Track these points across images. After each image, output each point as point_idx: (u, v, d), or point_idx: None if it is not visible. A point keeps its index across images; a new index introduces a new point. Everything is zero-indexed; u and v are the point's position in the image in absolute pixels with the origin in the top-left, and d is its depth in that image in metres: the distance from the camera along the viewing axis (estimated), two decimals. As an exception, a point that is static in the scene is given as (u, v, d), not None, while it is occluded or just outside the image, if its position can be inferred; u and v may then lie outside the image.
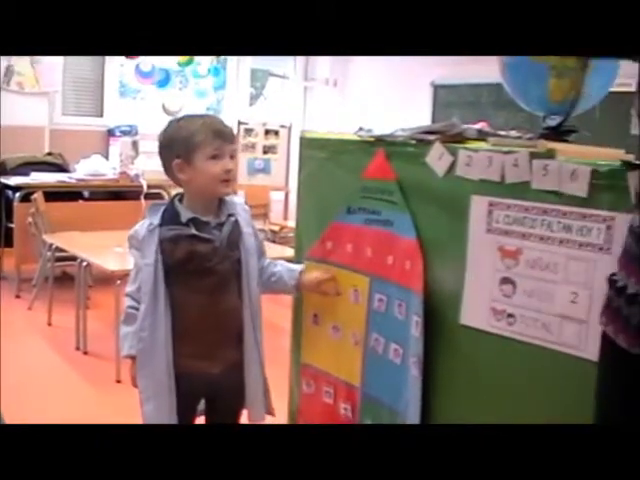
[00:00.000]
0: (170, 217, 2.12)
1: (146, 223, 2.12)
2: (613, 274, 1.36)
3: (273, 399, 2.32)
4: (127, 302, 2.17)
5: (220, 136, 2.10)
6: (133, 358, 2.14)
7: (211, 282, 2.12)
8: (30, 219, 5.39)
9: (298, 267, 2.33)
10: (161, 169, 2.17)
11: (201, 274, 2.10)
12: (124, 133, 7.27)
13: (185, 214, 2.11)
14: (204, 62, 8.27)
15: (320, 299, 2.37)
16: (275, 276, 2.29)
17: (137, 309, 2.13)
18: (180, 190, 2.19)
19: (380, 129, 2.22)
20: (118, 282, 3.92)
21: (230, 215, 2.16)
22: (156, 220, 2.11)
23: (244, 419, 2.28)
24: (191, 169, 2.08)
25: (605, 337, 1.37)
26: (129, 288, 2.18)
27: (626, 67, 2.03)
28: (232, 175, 2.13)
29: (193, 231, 2.09)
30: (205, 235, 2.10)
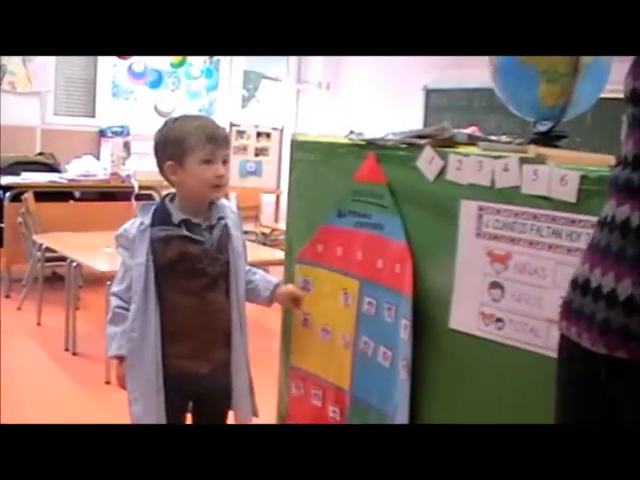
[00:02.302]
0: (161, 217, 2.11)
1: (137, 222, 2.11)
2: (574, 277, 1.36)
3: (262, 401, 2.31)
4: (114, 302, 2.16)
5: (213, 141, 2.09)
6: (120, 358, 2.14)
7: (201, 283, 2.12)
8: (20, 219, 5.37)
9: (275, 279, 2.33)
10: (152, 170, 2.18)
11: (191, 275, 2.10)
12: (116, 134, 7.25)
13: (177, 215, 2.11)
14: (197, 63, 8.26)
15: (310, 301, 2.37)
16: (251, 284, 2.28)
17: (125, 309, 2.12)
18: (172, 190, 2.19)
19: (371, 132, 2.23)
20: (108, 283, 3.90)
21: (220, 218, 2.16)
22: (147, 220, 2.10)
23: (230, 420, 2.27)
24: (183, 172, 2.08)
25: (566, 340, 1.37)
26: (116, 288, 2.17)
27: (617, 73, 2.05)
28: (224, 180, 2.13)
29: (185, 232, 2.09)
30: (196, 237, 2.10)
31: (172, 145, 2.08)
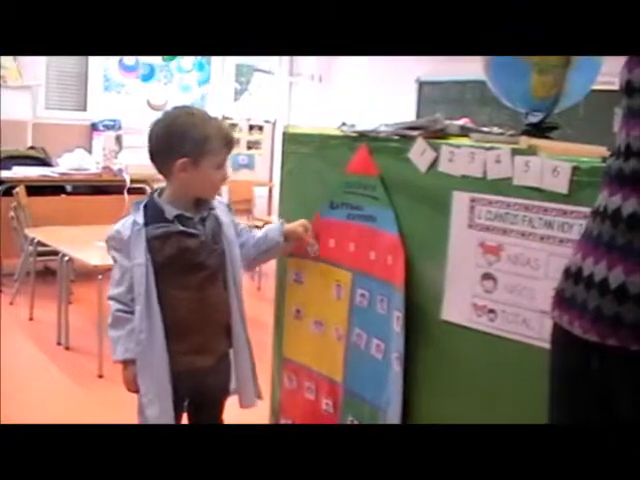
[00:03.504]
0: (154, 214, 2.07)
1: (129, 222, 2.07)
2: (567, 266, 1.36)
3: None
4: (114, 305, 2.09)
5: (229, 146, 2.10)
6: (126, 362, 2.09)
7: (200, 277, 2.10)
8: (12, 213, 5.34)
9: (277, 223, 2.34)
10: (144, 163, 2.12)
11: (191, 270, 2.08)
12: (108, 127, 7.23)
13: (170, 211, 2.06)
14: (188, 57, 8.23)
15: (303, 294, 2.37)
16: (262, 239, 2.28)
17: (126, 312, 2.07)
18: (162, 184, 2.16)
19: (363, 124, 2.22)
20: (100, 277, 3.90)
21: (210, 209, 2.14)
22: (140, 219, 2.05)
23: (235, 405, 2.27)
24: (195, 172, 2.03)
25: (558, 329, 1.37)
26: (115, 291, 2.10)
27: (609, 65, 2.05)
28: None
29: (181, 227, 2.06)
30: (192, 230, 2.07)
31: (191, 143, 2.01)
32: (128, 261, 2.06)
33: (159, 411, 2.07)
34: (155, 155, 2.07)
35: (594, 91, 2.19)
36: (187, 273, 2.09)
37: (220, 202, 2.22)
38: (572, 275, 1.32)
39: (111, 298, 2.12)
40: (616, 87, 1.34)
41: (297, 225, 2.31)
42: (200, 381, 2.16)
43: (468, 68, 3.80)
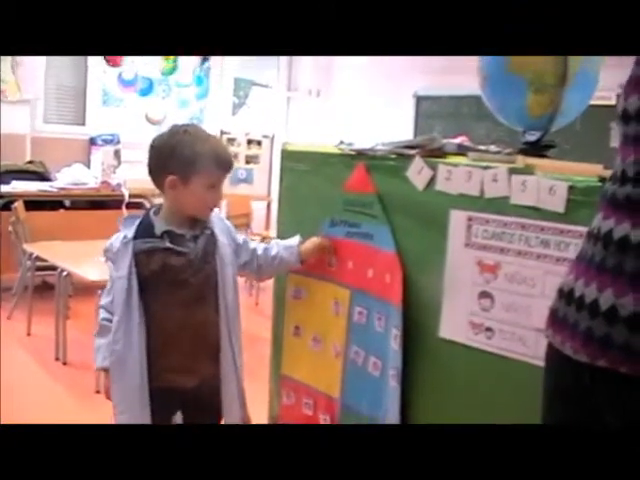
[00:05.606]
0: (144, 230, 2.09)
1: (120, 236, 2.10)
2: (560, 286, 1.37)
3: (253, 410, 2.31)
4: (101, 314, 2.16)
5: (223, 167, 2.08)
6: (106, 370, 2.13)
7: (186, 295, 2.10)
8: (10, 228, 5.35)
9: (294, 242, 2.32)
10: (143, 178, 2.14)
11: (176, 287, 2.09)
12: (106, 142, 7.23)
13: (159, 226, 2.09)
14: (187, 71, 8.26)
15: (302, 310, 2.38)
16: (277, 259, 2.28)
17: (111, 321, 2.11)
18: (160, 200, 2.17)
19: (361, 142, 2.24)
20: (99, 292, 3.89)
21: (205, 227, 2.14)
22: (130, 233, 2.09)
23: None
24: (185, 189, 2.04)
25: (551, 348, 1.38)
26: (103, 300, 2.17)
27: (605, 80, 2.06)
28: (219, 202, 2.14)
29: (167, 244, 2.07)
30: (179, 248, 2.08)
31: (180, 161, 2.02)
32: (115, 273, 2.10)
33: (129, 422, 2.09)
34: (149, 170, 2.11)
35: (590, 106, 2.20)
36: (171, 290, 2.09)
37: (221, 220, 2.22)
38: (565, 295, 1.33)
39: (100, 306, 2.18)
40: (612, 102, 1.34)
41: (314, 247, 2.30)
42: (185, 400, 2.15)
43: (465, 82, 3.82)
